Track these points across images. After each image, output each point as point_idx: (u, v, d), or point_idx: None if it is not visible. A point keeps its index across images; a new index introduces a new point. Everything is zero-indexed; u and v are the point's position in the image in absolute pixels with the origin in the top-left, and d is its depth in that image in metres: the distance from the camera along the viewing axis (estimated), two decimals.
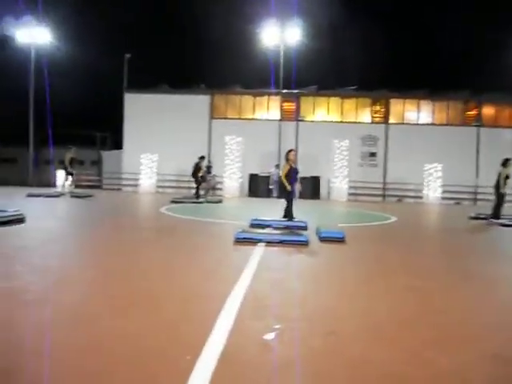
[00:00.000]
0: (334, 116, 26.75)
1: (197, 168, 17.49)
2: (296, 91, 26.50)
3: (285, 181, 9.45)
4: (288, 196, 9.56)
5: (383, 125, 26.30)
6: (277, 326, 3.29)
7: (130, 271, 5.13)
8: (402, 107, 26.66)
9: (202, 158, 18.04)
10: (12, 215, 8.38)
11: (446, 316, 3.87)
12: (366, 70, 36.60)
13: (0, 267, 5.04)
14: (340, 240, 7.56)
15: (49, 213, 11.56)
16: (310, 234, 7.89)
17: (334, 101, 26.81)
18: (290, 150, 9.76)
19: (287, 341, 3.07)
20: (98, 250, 6.49)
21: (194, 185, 17.95)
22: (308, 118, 26.58)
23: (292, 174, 9.45)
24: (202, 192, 19.66)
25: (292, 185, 9.45)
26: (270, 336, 3.10)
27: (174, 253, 6.38)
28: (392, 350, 2.98)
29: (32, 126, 26.33)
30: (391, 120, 26.45)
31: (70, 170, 17.61)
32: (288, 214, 9.53)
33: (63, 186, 17.95)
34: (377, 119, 26.70)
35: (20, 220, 8.46)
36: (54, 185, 17.53)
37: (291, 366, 2.65)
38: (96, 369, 2.52)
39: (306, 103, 26.85)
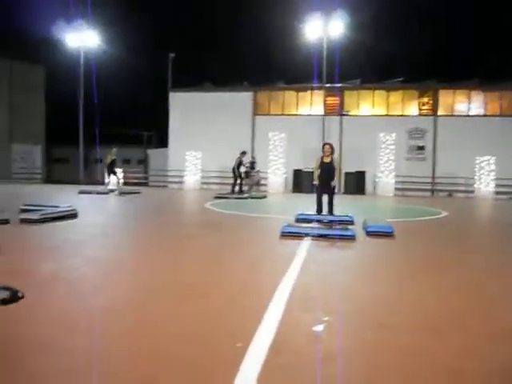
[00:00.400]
0: (380, 109, 26.15)
1: (239, 163, 17.69)
2: (339, 85, 26.10)
3: (315, 173, 9.30)
4: (331, 190, 9.31)
5: (431, 117, 25.44)
6: (325, 318, 3.27)
7: (179, 264, 5.25)
8: (451, 98, 25.68)
9: (244, 153, 18.14)
10: (65, 211, 8.81)
11: (500, 310, 3.71)
12: (412, 61, 35.50)
13: (57, 259, 5.29)
14: (388, 234, 7.39)
15: (99, 209, 12.02)
16: (357, 229, 7.77)
17: (379, 94, 26.20)
18: (324, 144, 9.56)
19: (336, 332, 3.04)
20: (147, 244, 6.68)
21: (232, 180, 18.01)
22: (352, 113, 26.13)
23: (322, 167, 9.19)
24: (245, 188, 19.79)
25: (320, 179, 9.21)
26: (318, 328, 3.09)
27: (220, 246, 6.46)
28: (443, 342, 2.90)
29: (82, 126, 27.42)
30: (440, 112, 25.54)
31: (113, 169, 17.65)
32: (318, 206, 9.43)
33: (108, 183, 18.35)
34: (425, 111, 25.85)
35: (73, 215, 8.87)
36: (103, 183, 18.13)
37: (341, 357, 2.63)
38: (150, 352, 2.61)
39: (350, 97, 26.39)
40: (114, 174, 17.82)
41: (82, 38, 26.43)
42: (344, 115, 26.00)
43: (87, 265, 4.94)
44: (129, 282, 4.36)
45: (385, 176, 22.78)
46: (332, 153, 9.26)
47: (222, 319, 3.24)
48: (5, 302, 0.52)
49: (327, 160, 9.19)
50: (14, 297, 0.52)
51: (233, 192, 17.70)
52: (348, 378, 2.37)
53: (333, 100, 26.41)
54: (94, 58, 27.64)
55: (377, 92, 26.32)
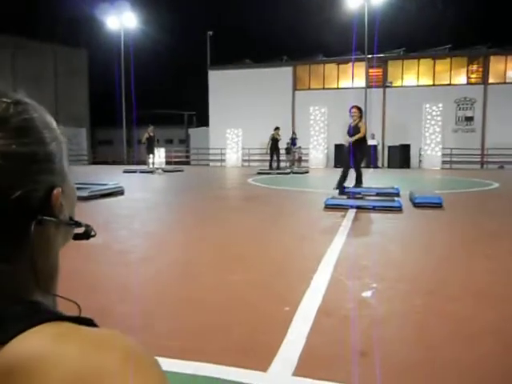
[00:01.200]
0: (425, 79, 25.08)
1: (273, 139, 17.65)
2: (382, 55, 25.20)
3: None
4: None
5: (481, 85, 24.15)
6: (374, 285, 3.21)
7: (226, 234, 5.29)
8: (503, 65, 24.24)
9: (277, 128, 18.01)
10: (113, 188, 9.11)
11: None
12: (459, 26, 33.71)
13: (107, 232, 5.46)
14: (437, 205, 7.13)
15: (144, 186, 12.30)
16: (403, 201, 7.54)
17: (425, 63, 25.08)
18: (352, 107, 8.80)
19: (385, 299, 2.98)
20: (192, 217, 6.77)
21: (269, 157, 17.92)
22: (396, 84, 25.22)
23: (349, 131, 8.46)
24: (286, 164, 19.60)
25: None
26: (367, 293, 3.04)
27: (265, 219, 6.46)
28: (494, 309, 2.78)
29: (124, 108, 27.98)
30: (491, 80, 24.20)
31: (151, 147, 17.81)
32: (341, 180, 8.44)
33: (153, 162, 18.60)
34: (474, 80, 24.57)
35: (120, 192, 9.18)
36: (145, 162, 18.50)
37: (390, 321, 2.57)
38: (199, 319, 2.64)
39: (394, 67, 25.43)
40: (152, 152, 17.92)
41: (122, 20, 26.73)
42: (387, 87, 25.15)
43: (135, 237, 5.06)
44: (177, 253, 4.44)
45: (431, 149, 21.97)
46: (360, 116, 8.56)
47: (269, 286, 3.24)
48: (77, 237, 0.52)
49: (354, 124, 8.49)
50: (87, 233, 0.52)
51: (271, 168, 17.67)
52: (399, 340, 2.32)
53: (375, 71, 25.55)
54: (134, 40, 27.97)
55: (422, 61, 25.22)
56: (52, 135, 0.47)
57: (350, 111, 8.71)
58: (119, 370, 0.35)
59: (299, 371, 1.97)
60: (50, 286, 0.47)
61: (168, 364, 2.04)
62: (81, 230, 0.53)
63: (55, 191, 0.44)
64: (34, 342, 0.36)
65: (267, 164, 21.68)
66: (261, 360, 2.07)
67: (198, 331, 2.44)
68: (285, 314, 2.63)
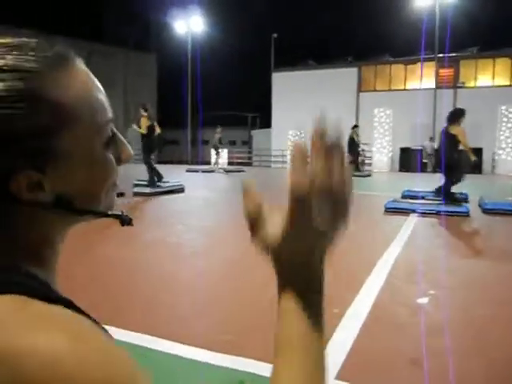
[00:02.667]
0: (501, 79, 23.57)
1: (351, 139, 16.66)
2: (454, 55, 23.99)
3: (469, 149, 7.14)
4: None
5: None
6: (431, 292, 3.02)
7: None
8: None
9: (356, 127, 17.18)
10: (174, 185, 9.47)
11: None
12: None
13: (166, 227, 5.61)
14: (509, 212, 6.63)
15: (204, 185, 12.54)
16: (472, 206, 7.09)
17: (501, 62, 23.56)
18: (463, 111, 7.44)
19: (443, 306, 2.79)
20: None
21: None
22: (469, 84, 23.91)
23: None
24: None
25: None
26: (423, 300, 2.86)
27: None
28: None
29: (189, 109, 28.77)
30: None
31: (219, 149, 18.53)
32: (448, 195, 7.20)
33: (216, 163, 19.03)
34: None
35: (180, 190, 9.48)
36: (209, 162, 18.93)
37: (447, 330, 2.39)
38: (249, 315, 2.62)
39: (467, 67, 24.12)
40: (217, 153, 18.44)
41: (190, 24, 27.54)
42: (459, 87, 23.91)
43: (189, 232, 5.15)
44: (230, 249, 4.45)
45: (506, 153, 20.59)
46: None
47: None
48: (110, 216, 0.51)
49: None
50: (126, 221, 0.52)
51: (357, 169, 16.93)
52: (455, 350, 2.15)
53: (446, 71, 24.38)
54: (200, 43, 28.71)
55: (498, 60, 23.73)
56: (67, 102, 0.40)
57: (462, 115, 7.40)
58: (59, 367, 0.30)
59: (343, 376, 1.88)
60: (41, 260, 0.44)
61: (213, 357, 2.03)
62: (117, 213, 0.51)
63: (21, 176, 0.38)
64: None
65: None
66: None
67: (246, 326, 2.41)
68: (333, 315, 2.53)
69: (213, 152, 19.57)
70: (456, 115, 7.24)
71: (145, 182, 9.17)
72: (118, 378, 0.31)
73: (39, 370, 0.30)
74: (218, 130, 18.23)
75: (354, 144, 16.75)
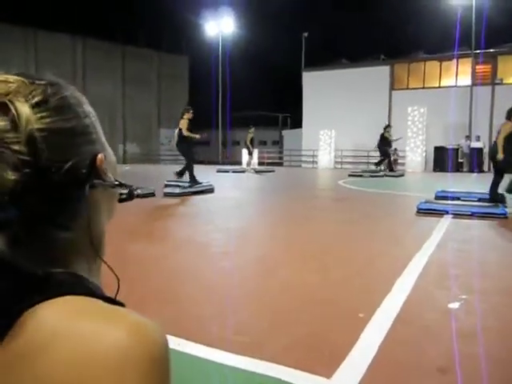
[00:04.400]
0: None
1: (383, 138, 16.34)
2: (492, 50, 23.19)
3: (500, 147, 6.99)
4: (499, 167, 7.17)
5: None
6: (463, 296, 2.91)
7: (308, 234, 5.19)
8: None
9: (388, 126, 16.86)
10: (203, 186, 9.51)
11: None
12: None
13: (194, 226, 5.65)
14: None
15: (234, 185, 12.59)
16: (511, 208, 6.80)
17: None
18: None
19: (475, 312, 2.68)
20: (276, 215, 6.75)
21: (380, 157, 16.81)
22: (507, 81, 23.05)
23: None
24: (382, 167, 18.65)
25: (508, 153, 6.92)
26: (454, 305, 2.75)
27: (350, 220, 6.24)
28: None
29: (220, 110, 28.98)
30: None
31: (251, 149, 18.67)
32: (492, 192, 7.16)
33: (248, 163, 19.06)
34: None
35: (210, 190, 9.55)
36: (239, 163, 19.02)
37: (479, 337, 2.29)
38: (272, 315, 2.59)
39: (505, 63, 23.23)
40: (250, 153, 18.46)
41: (221, 26, 27.73)
42: (497, 84, 23.08)
43: (218, 232, 5.17)
44: (257, 249, 4.44)
45: None
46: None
47: (346, 288, 3.10)
48: (122, 200, 0.56)
49: None
50: (131, 194, 0.55)
51: (379, 168, 16.63)
52: (487, 358, 2.05)
53: (483, 68, 23.60)
54: (231, 44, 28.86)
55: None
56: (84, 110, 0.50)
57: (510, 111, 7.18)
58: (126, 350, 0.36)
59: (367, 381, 1.82)
60: (100, 250, 0.51)
61: (231, 359, 2.01)
62: (125, 192, 0.57)
63: (99, 156, 0.48)
64: (50, 315, 0.38)
65: (361, 167, 21.03)
66: (326, 365, 1.95)
67: (265, 327, 2.39)
68: (359, 318, 2.48)
69: (245, 152, 19.63)
70: (508, 112, 7.12)
71: (175, 183, 9.31)
72: (167, 357, 0.39)
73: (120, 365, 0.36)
74: (251, 130, 18.24)
75: (386, 144, 16.47)
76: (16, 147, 0.40)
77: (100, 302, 0.41)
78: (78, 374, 0.35)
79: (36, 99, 0.44)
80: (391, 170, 16.83)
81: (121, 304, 0.43)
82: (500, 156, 7.02)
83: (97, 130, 0.52)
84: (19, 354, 0.36)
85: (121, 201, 0.58)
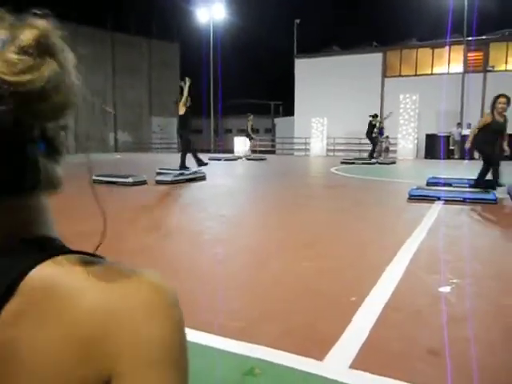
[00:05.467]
0: None
1: (370, 127, 16.93)
2: (483, 37, 23.18)
3: (471, 136, 7.22)
4: (487, 158, 7.16)
5: None
6: (454, 281, 2.94)
7: (301, 222, 5.20)
8: None
9: (374, 116, 17.30)
10: (195, 173, 9.44)
11: None
12: None
13: (187, 215, 5.63)
14: None
15: (226, 173, 12.56)
16: (501, 194, 6.87)
17: None
18: (498, 96, 6.98)
19: (466, 296, 2.71)
20: (268, 203, 6.75)
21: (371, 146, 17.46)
22: (499, 68, 23.10)
23: (491, 129, 6.89)
24: (375, 154, 19.02)
25: (487, 145, 6.95)
26: (445, 289, 2.78)
27: (343, 207, 6.26)
28: None
29: (212, 98, 28.77)
30: None
31: (252, 135, 19.33)
32: (480, 180, 7.21)
33: (248, 150, 19.70)
34: None
35: (202, 178, 9.56)
36: (231, 151, 19.09)
37: (470, 321, 2.32)
38: (267, 302, 2.60)
39: (497, 50, 23.25)
40: (251, 139, 19.16)
41: (212, 12, 27.41)
42: (489, 71, 23.14)
43: (210, 220, 5.16)
44: (249, 237, 4.44)
45: None
46: (506, 109, 6.92)
47: (339, 275, 3.11)
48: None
49: (501, 119, 6.89)
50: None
51: (370, 157, 17.08)
52: (479, 341, 2.08)
53: (475, 55, 23.62)
54: (222, 31, 28.57)
55: None
56: None
57: (494, 101, 6.99)
58: (151, 293, 0.40)
59: (357, 364, 1.84)
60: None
61: (225, 344, 2.02)
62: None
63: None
64: (57, 272, 0.38)
65: (353, 154, 21.10)
66: (318, 348, 1.97)
67: (259, 314, 2.40)
68: (350, 303, 2.49)
69: (240, 140, 20.14)
70: (492, 103, 7.08)
71: (169, 171, 9.33)
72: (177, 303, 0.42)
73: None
74: (250, 117, 18.66)
75: (372, 131, 16.94)
76: None
77: (95, 258, 0.42)
78: (107, 318, 0.37)
79: None
80: (371, 156, 17.05)
81: (102, 259, 0.44)
82: (467, 145, 7.35)
83: None
84: (33, 305, 0.37)
85: None
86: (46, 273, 0.38)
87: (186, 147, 9.61)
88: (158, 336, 0.39)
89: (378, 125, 17.16)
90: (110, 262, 0.43)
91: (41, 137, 0.41)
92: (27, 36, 0.38)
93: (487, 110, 7.39)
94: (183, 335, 0.41)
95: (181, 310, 0.42)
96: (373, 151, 17.31)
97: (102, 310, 0.38)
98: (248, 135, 19.46)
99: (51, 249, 0.41)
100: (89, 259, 0.41)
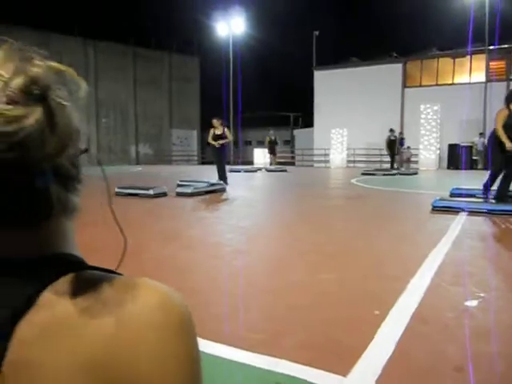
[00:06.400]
0: None
1: (389, 141, 18.00)
2: (506, 46, 22.84)
3: (501, 133, 6.24)
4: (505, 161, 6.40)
5: None
6: (481, 294, 2.86)
7: (321, 233, 5.16)
8: None
9: (391, 130, 18.31)
10: (215, 185, 9.63)
11: None
12: None
13: (206, 226, 5.65)
14: None
15: (246, 184, 12.59)
16: None
17: None
18: None
19: (493, 310, 2.63)
20: (289, 215, 6.72)
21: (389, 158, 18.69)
22: None
23: (507, 125, 6.20)
24: (395, 165, 19.15)
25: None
26: (471, 303, 2.70)
27: (364, 218, 6.19)
28: None
29: (232, 111, 29.02)
30: None
31: (272, 149, 20.68)
32: (501, 191, 6.58)
33: (271, 163, 20.52)
34: None
35: (222, 190, 9.64)
36: (251, 162, 19.28)
37: (496, 335, 2.25)
38: (287, 313, 2.57)
39: None
40: (273, 153, 20.46)
41: (231, 26, 27.76)
42: (511, 80, 22.75)
43: (231, 232, 5.16)
44: (269, 249, 4.42)
45: None
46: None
47: (361, 287, 3.06)
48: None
49: None
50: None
51: (391, 168, 18.19)
52: (505, 357, 2.01)
53: (498, 64, 23.26)
54: (241, 44, 28.87)
55: None
56: None
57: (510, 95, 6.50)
58: (162, 310, 0.39)
59: (383, 380, 1.79)
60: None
61: (244, 356, 2.00)
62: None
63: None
64: (76, 290, 0.38)
65: (374, 165, 21.24)
66: (342, 363, 1.93)
67: (280, 326, 2.37)
68: (374, 317, 2.44)
69: (261, 152, 21.40)
70: (507, 97, 6.45)
71: (190, 183, 9.50)
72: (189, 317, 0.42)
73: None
74: (271, 132, 20.78)
75: (391, 145, 18.39)
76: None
77: (110, 274, 0.42)
78: (122, 342, 0.37)
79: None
80: (391, 167, 18.20)
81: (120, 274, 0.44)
82: (509, 145, 6.18)
83: None
84: (45, 329, 0.36)
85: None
86: (55, 293, 0.38)
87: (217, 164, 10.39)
88: (171, 356, 0.38)
89: (394, 138, 18.56)
90: (125, 277, 0.42)
91: (50, 168, 0.40)
92: (15, 84, 0.37)
93: None
94: (196, 351, 0.41)
95: (192, 323, 0.41)
96: (390, 162, 18.33)
97: (108, 335, 0.37)
98: (269, 148, 20.96)
99: (67, 265, 0.41)
100: (100, 276, 0.41)
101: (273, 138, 20.72)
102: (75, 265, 0.42)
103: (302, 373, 1.85)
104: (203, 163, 30.04)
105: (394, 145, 19.24)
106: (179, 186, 9.41)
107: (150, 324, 0.38)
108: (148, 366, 0.37)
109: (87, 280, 0.40)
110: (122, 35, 28.91)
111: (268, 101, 42.14)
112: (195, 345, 0.41)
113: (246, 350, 2.05)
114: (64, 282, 0.39)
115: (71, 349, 0.36)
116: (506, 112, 6.34)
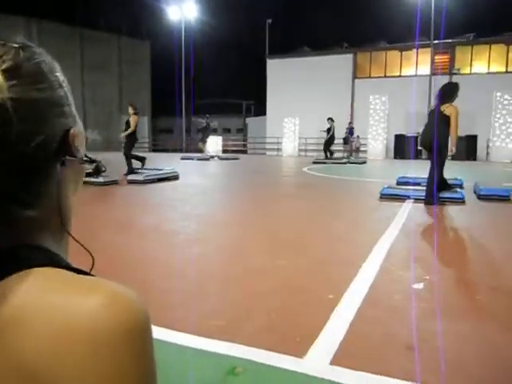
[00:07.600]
0: (497, 66, 23.48)
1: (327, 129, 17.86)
2: (450, 41, 23.84)
3: (456, 134, 6.13)
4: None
5: None
6: (427, 277, 3.01)
7: (275, 220, 5.22)
8: None
9: (329, 119, 18.08)
10: (168, 173, 9.40)
11: None
12: None
13: (160, 214, 5.57)
14: (504, 198, 6.64)
15: (199, 172, 12.49)
16: (467, 193, 7.09)
17: (497, 49, 23.42)
18: (457, 85, 6.63)
19: (439, 291, 2.78)
20: (243, 202, 6.75)
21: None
22: (464, 71, 23.81)
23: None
24: (344, 154, 19.56)
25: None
26: (419, 285, 2.85)
27: (316, 206, 6.32)
28: None
29: (183, 97, 28.56)
30: None
31: (204, 136, 18.70)
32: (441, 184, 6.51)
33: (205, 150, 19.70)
34: None
35: (175, 177, 9.52)
36: (201, 150, 18.99)
37: (444, 315, 2.38)
38: (244, 300, 2.59)
39: (462, 54, 23.97)
40: (204, 140, 18.47)
41: (183, 11, 27.17)
42: (454, 74, 23.80)
43: (185, 219, 5.12)
44: (225, 236, 4.43)
45: (500, 140, 20.61)
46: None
47: (315, 273, 3.14)
48: (88, 174, 0.54)
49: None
50: (98, 169, 0.53)
51: (326, 157, 17.72)
52: (453, 335, 2.14)
53: (442, 58, 24.26)
54: (194, 30, 28.37)
55: (494, 46, 23.62)
56: (59, 79, 0.46)
57: (456, 89, 6.52)
58: (99, 321, 0.35)
59: (338, 360, 1.86)
60: (67, 226, 0.49)
61: (203, 342, 2.00)
62: (91, 168, 0.55)
63: (71, 132, 0.45)
64: (18, 288, 0.36)
65: (324, 154, 21.51)
66: (298, 346, 1.98)
67: (238, 312, 2.39)
68: (328, 301, 2.52)
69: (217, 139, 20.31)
70: (451, 92, 6.38)
71: (140, 171, 9.21)
72: (146, 325, 0.38)
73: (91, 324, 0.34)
74: (205, 118, 18.48)
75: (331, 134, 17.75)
76: None
77: (70, 273, 0.39)
78: (50, 348, 0.33)
79: (7, 64, 0.40)
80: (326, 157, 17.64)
81: (90, 275, 0.41)
82: (454, 150, 6.16)
83: (70, 101, 0.48)
84: None
85: (87, 175, 0.55)
86: (7, 287, 0.36)
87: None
88: (99, 376, 0.33)
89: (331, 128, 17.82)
90: (86, 278, 0.39)
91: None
92: None
93: None
94: (145, 369, 0.36)
95: (146, 333, 0.37)
96: (324, 151, 17.92)
97: (49, 336, 0.34)
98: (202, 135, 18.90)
99: (33, 259, 0.39)
100: (59, 275, 0.38)
101: (204, 124, 18.65)
102: (37, 260, 0.40)
103: (260, 356, 1.88)
104: (154, 150, 29.48)
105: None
106: (130, 173, 9.20)
107: (86, 333, 0.34)
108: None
109: (41, 278, 0.37)
110: (67, 15, 27.61)
111: (221, 88, 41.83)
112: (144, 362, 0.36)
113: (206, 337, 2.06)
114: (17, 278, 0.37)
115: (2, 347, 0.34)
116: (456, 109, 6.19)
